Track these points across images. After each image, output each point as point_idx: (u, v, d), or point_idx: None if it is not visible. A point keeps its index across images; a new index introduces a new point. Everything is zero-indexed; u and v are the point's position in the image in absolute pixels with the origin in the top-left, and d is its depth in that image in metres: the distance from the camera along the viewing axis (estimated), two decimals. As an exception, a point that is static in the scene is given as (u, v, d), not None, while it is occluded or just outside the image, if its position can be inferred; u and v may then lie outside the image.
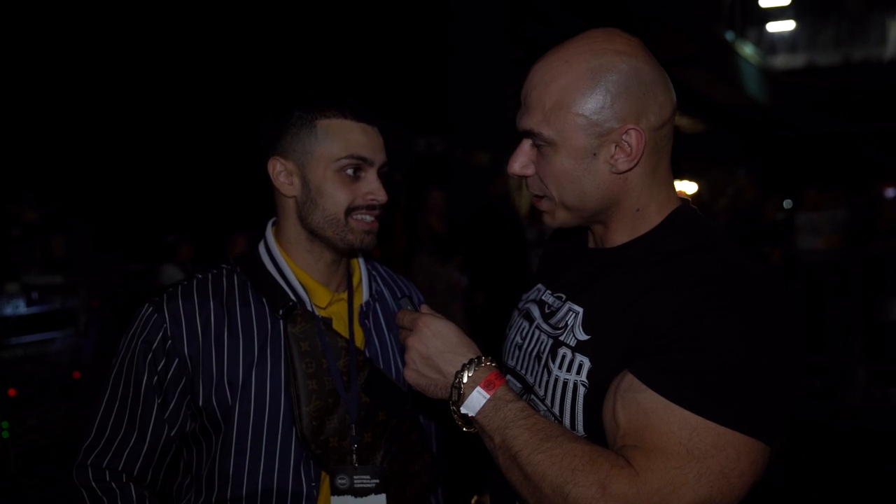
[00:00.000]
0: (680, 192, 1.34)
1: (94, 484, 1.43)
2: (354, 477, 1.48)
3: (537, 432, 1.11)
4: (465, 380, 1.18)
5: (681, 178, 13.53)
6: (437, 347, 1.23)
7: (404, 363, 1.28)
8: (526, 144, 1.27)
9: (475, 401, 1.16)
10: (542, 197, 1.29)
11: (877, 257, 6.24)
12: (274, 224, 1.62)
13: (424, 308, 1.33)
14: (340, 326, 1.58)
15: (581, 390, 1.18)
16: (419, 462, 1.63)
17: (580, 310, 1.25)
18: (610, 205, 1.24)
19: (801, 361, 1.13)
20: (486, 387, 1.16)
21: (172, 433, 1.47)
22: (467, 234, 6.49)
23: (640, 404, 1.07)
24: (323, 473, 1.49)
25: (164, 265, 6.69)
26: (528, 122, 1.23)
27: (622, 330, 1.15)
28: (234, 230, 6.23)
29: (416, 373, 1.25)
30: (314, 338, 1.50)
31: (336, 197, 1.50)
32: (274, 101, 8.31)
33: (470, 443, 1.51)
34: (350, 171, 1.50)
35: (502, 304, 6.51)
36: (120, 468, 1.45)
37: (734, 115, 19.40)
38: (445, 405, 1.26)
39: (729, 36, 17.63)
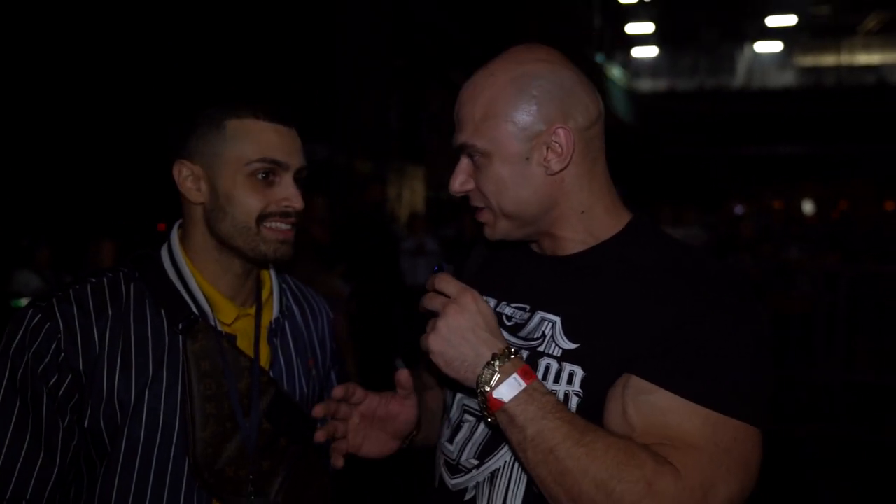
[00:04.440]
0: None
1: None
2: None
3: (576, 425, 1.07)
4: (504, 364, 1.12)
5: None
6: (479, 325, 1.16)
7: (433, 328, 1.17)
8: (463, 161, 1.28)
9: (510, 387, 1.11)
10: (482, 209, 1.29)
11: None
12: (180, 227, 1.49)
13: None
14: (245, 344, 1.47)
15: (574, 400, 1.16)
16: (315, 485, 1.56)
17: (557, 318, 1.24)
18: (550, 208, 1.25)
19: (771, 350, 1.20)
20: (523, 376, 1.11)
21: (71, 453, 1.33)
22: (345, 242, 6.41)
23: (656, 405, 1.09)
24: (214, 501, 1.39)
25: (17, 271, 6.17)
26: (461, 136, 1.25)
27: (616, 336, 1.16)
28: (100, 235, 5.85)
29: (446, 342, 1.16)
30: (215, 356, 1.39)
31: (246, 204, 1.38)
32: (149, 100, 7.93)
33: (361, 461, 1.46)
34: (262, 176, 1.38)
35: (374, 312, 6.48)
36: (28, 497, 1.29)
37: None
38: (456, 384, 1.19)
39: (599, 58, 18.56)
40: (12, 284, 6.04)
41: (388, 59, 10.21)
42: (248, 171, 1.38)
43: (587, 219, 1.27)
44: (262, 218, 1.39)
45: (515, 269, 1.39)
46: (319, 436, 1.32)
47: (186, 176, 1.42)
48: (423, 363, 1.50)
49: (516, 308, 1.32)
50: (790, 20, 22.89)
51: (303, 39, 9.53)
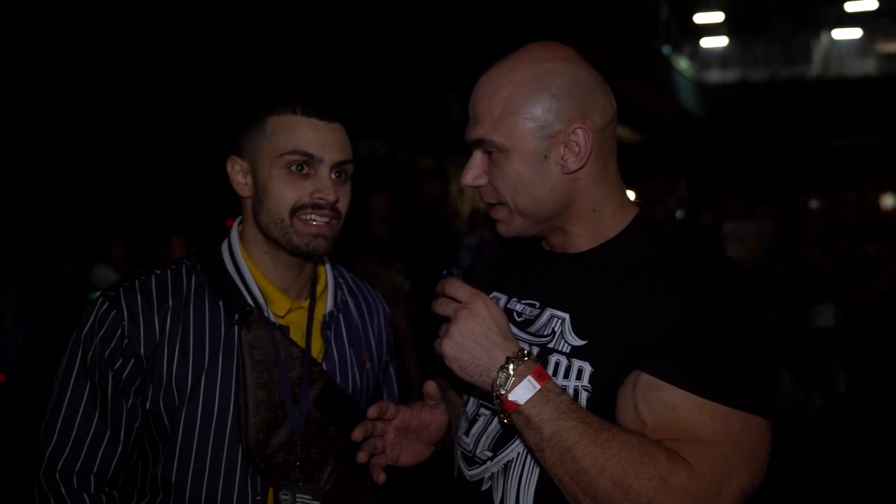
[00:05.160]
0: None
1: (63, 491, 1.36)
2: (297, 495, 1.44)
3: (591, 424, 1.10)
4: (517, 367, 1.14)
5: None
6: (492, 329, 1.17)
7: (446, 334, 1.19)
8: (477, 156, 1.29)
9: (525, 389, 1.12)
10: (496, 205, 1.30)
11: (803, 265, 6.52)
12: (240, 223, 1.56)
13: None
14: (298, 335, 1.52)
15: (584, 395, 1.19)
16: (365, 479, 1.56)
17: (566, 315, 1.26)
18: (565, 207, 1.26)
19: (780, 342, 1.21)
20: (537, 377, 1.13)
21: (134, 433, 1.41)
22: (403, 238, 6.45)
23: (667, 401, 1.11)
24: (270, 487, 1.45)
25: (95, 265, 6.48)
26: (479, 131, 1.25)
27: (623, 332, 1.18)
28: (170, 231, 6.08)
29: (459, 347, 1.17)
30: (268, 346, 1.45)
31: (280, 195, 1.42)
32: (227, 100, 8.17)
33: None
34: (295, 168, 1.42)
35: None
36: (95, 471, 1.38)
37: (669, 125, 19.97)
38: (471, 388, 1.21)
39: (665, 49, 18.16)
40: (90, 278, 6.33)
41: (446, 56, 10.24)
42: (282, 163, 1.42)
43: (597, 217, 1.28)
44: (295, 210, 1.43)
45: (526, 267, 1.40)
46: (361, 457, 1.35)
47: (237, 171, 1.49)
48: (438, 367, 1.52)
49: (526, 305, 1.34)
50: (870, 4, 21.85)
51: (363, 36, 9.64)
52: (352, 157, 1.50)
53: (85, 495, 1.37)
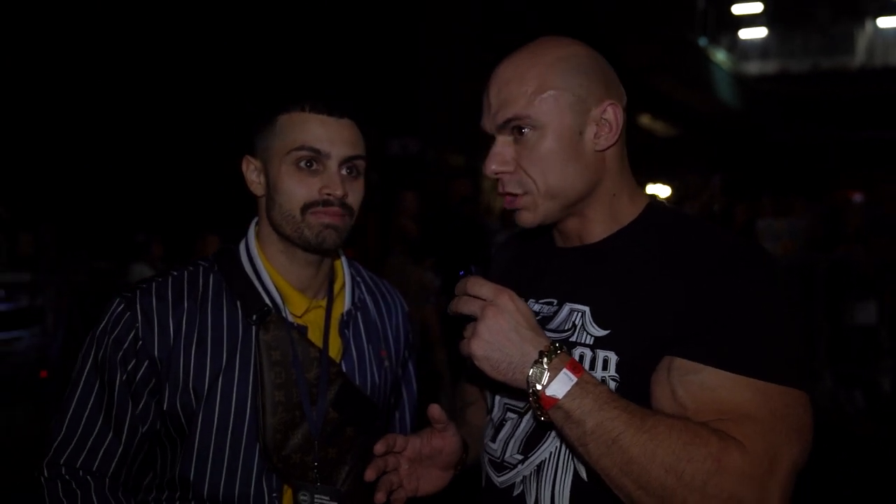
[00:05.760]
0: (653, 195, 1.36)
1: (67, 476, 1.39)
2: (315, 495, 1.44)
3: (634, 412, 1.07)
4: (551, 360, 1.11)
5: (654, 181, 13.63)
6: (521, 324, 1.14)
7: (473, 333, 1.16)
8: (500, 143, 1.26)
9: (562, 383, 1.09)
10: (519, 195, 1.27)
11: (842, 262, 6.37)
12: (257, 223, 1.57)
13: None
14: (316, 335, 1.52)
15: (611, 385, 1.17)
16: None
17: (585, 308, 1.24)
18: (592, 187, 1.26)
19: (801, 319, 1.21)
20: (573, 370, 1.10)
21: (143, 433, 1.43)
22: (433, 235, 6.45)
23: (704, 383, 1.09)
24: (285, 485, 1.46)
25: (133, 264, 6.62)
26: (511, 110, 1.23)
27: (645, 318, 1.16)
28: (205, 230, 6.17)
29: (489, 345, 1.14)
30: (286, 346, 1.45)
31: (290, 192, 1.42)
32: (246, 100, 8.27)
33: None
34: (304, 164, 1.42)
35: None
36: (95, 468, 1.40)
37: (706, 119, 19.65)
38: (500, 386, 1.20)
39: (702, 42, 17.87)
40: (129, 277, 6.47)
41: (477, 52, 10.22)
42: (291, 159, 1.43)
43: (616, 202, 1.28)
44: (306, 207, 1.43)
45: (539, 268, 1.38)
46: (380, 497, 1.33)
47: (252, 170, 1.51)
48: (465, 369, 1.50)
49: (544, 304, 1.32)
50: (917, -8, 21.19)
51: (393, 35, 9.66)
52: (363, 153, 1.49)
53: (88, 477, 1.40)
